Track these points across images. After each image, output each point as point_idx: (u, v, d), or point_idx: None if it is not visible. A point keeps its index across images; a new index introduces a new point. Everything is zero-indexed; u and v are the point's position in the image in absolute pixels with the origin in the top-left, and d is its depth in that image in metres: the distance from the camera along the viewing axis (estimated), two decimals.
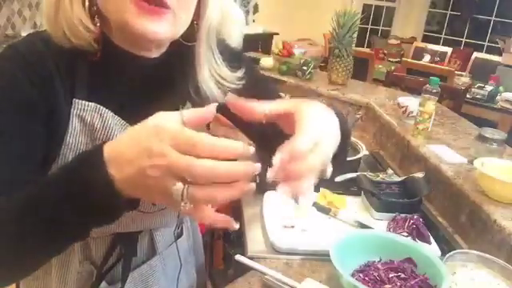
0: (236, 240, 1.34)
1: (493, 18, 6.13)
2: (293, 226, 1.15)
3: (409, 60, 4.42)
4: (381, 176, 1.46)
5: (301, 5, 5.68)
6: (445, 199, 1.35)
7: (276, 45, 3.05)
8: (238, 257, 1.02)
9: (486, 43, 6.21)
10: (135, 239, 0.84)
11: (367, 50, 5.21)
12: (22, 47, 0.66)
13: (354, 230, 1.18)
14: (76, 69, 0.68)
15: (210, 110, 0.51)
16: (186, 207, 0.47)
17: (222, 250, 1.73)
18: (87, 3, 0.65)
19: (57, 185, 0.53)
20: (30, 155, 0.64)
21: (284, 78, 2.45)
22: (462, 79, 4.00)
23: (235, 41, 0.80)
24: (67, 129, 0.67)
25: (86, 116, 0.68)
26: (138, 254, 0.85)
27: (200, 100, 0.77)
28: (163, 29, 0.65)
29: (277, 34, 5.51)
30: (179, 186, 0.46)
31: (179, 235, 0.96)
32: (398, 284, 0.91)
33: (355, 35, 2.34)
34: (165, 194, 0.48)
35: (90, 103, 0.68)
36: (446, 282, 0.88)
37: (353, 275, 0.94)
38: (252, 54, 2.84)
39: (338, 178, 1.40)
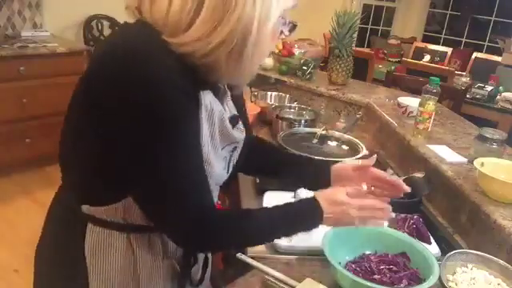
0: None
1: (493, 18, 6.13)
2: None
3: (409, 60, 4.41)
4: None
5: (301, 5, 5.68)
6: (445, 199, 1.35)
7: (276, 45, 3.05)
8: (239, 255, 1.02)
9: (486, 43, 6.20)
10: None
11: (367, 50, 5.20)
12: (161, 62, 0.72)
13: None
14: (193, 68, 0.76)
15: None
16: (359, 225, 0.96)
17: None
18: None
19: (289, 217, 0.92)
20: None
21: (284, 78, 2.45)
22: (462, 79, 3.99)
23: None
24: (200, 121, 0.79)
25: (207, 102, 0.81)
26: None
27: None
28: None
29: None
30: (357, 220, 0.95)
31: None
32: (388, 275, 0.93)
33: (355, 35, 2.33)
34: (348, 223, 0.96)
35: (208, 91, 0.81)
36: (435, 276, 0.88)
37: (345, 266, 0.95)
38: None
39: None
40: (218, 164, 0.86)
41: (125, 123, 0.72)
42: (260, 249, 1.08)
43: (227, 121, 0.87)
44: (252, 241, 0.93)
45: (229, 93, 0.93)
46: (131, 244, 0.85)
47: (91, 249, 0.84)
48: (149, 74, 0.70)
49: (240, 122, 0.96)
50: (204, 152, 0.80)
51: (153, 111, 0.71)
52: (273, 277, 0.97)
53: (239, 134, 0.94)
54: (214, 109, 0.82)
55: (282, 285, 0.95)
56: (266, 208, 0.97)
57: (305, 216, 0.92)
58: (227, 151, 0.91)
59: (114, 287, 0.86)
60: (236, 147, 0.94)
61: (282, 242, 1.08)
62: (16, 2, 3.41)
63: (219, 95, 0.87)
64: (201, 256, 0.99)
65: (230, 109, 0.93)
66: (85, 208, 0.83)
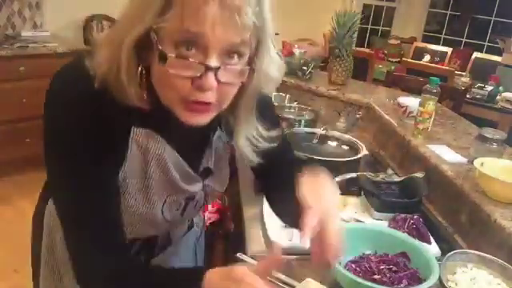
0: (236, 240, 1.34)
1: (493, 18, 6.12)
2: None
3: (409, 60, 4.42)
4: (381, 176, 1.46)
5: (301, 5, 5.69)
6: (445, 199, 1.35)
7: (276, 45, 3.04)
8: (240, 255, 1.02)
9: (486, 43, 6.19)
10: (154, 238, 0.96)
11: (367, 50, 5.21)
12: (76, 97, 0.74)
13: (351, 223, 1.19)
14: (130, 113, 0.73)
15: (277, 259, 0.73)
16: None
17: (222, 250, 1.73)
18: (140, 81, 0.70)
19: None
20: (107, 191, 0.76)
21: (284, 78, 2.44)
22: (462, 79, 4.00)
23: (271, 90, 0.85)
24: (126, 155, 0.76)
25: (142, 140, 0.76)
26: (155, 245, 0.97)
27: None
28: (206, 120, 0.72)
29: (277, 33, 5.48)
30: None
31: (190, 226, 1.08)
32: (388, 275, 0.93)
33: (355, 35, 2.34)
34: None
35: (146, 129, 0.76)
36: (435, 276, 0.89)
37: (346, 265, 0.96)
38: None
39: (338, 178, 1.40)
40: (147, 205, 0.80)
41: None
42: (260, 249, 1.08)
43: (173, 171, 0.81)
44: None
45: (214, 146, 0.88)
46: None
47: (47, 224, 0.95)
48: (56, 92, 0.78)
49: (221, 174, 0.92)
50: (126, 184, 0.77)
51: (51, 133, 0.81)
52: (273, 277, 0.97)
53: (196, 188, 0.87)
54: (150, 149, 0.77)
55: (281, 285, 0.95)
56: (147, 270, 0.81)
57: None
58: (182, 198, 0.86)
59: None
60: (194, 197, 0.88)
61: (282, 242, 1.08)
62: (16, 2, 3.41)
63: (176, 141, 0.80)
64: None
65: (209, 161, 0.88)
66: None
